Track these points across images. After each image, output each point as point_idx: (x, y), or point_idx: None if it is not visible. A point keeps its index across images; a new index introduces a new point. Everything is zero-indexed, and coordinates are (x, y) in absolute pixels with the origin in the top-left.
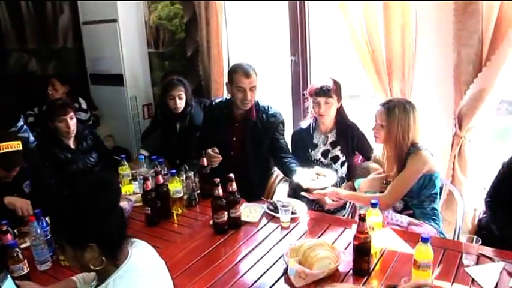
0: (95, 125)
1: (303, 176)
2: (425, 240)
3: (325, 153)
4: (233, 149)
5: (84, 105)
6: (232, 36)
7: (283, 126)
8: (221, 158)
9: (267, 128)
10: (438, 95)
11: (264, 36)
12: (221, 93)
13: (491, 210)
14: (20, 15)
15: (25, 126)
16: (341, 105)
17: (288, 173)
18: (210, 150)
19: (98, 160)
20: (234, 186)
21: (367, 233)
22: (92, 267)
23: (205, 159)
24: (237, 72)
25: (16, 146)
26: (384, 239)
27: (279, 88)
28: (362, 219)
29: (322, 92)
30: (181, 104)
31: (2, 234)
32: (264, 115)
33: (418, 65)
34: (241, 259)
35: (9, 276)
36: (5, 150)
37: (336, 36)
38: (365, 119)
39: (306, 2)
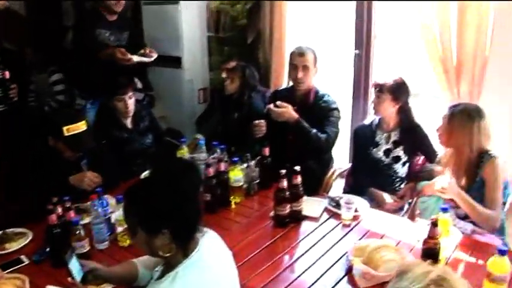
0: (149, 106)
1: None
2: (502, 252)
3: (387, 152)
4: (291, 133)
5: (139, 85)
6: (295, 25)
7: (335, 115)
8: (265, 128)
9: (320, 114)
10: (508, 99)
11: (328, 28)
12: (280, 82)
13: None
14: None
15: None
16: (406, 104)
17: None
18: (256, 121)
19: (153, 141)
20: (299, 179)
21: (437, 238)
22: (161, 253)
23: (267, 149)
24: (293, 52)
25: (82, 126)
26: (451, 246)
27: (340, 82)
28: (434, 224)
29: (374, 86)
30: (230, 87)
31: (66, 211)
32: (320, 101)
33: (490, 67)
34: (303, 254)
35: (74, 254)
36: (73, 132)
37: (403, 31)
38: (425, 118)
39: None
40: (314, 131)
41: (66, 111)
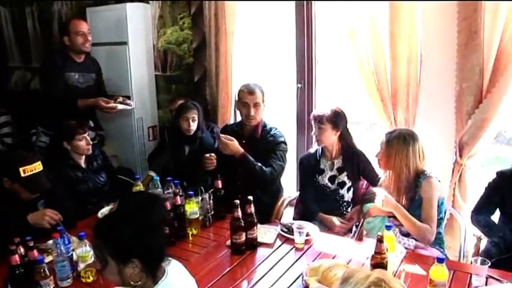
0: (100, 145)
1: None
2: (441, 260)
3: (332, 179)
4: (240, 166)
5: (91, 124)
6: (240, 62)
7: (282, 148)
8: (215, 162)
9: (267, 147)
10: (440, 123)
11: (272, 63)
12: (227, 117)
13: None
14: (26, 34)
15: None
16: (346, 132)
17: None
18: (207, 155)
19: (107, 180)
20: (252, 208)
21: (384, 253)
22: (131, 282)
23: (219, 182)
24: (243, 90)
25: (38, 166)
26: (397, 261)
27: (285, 115)
28: (380, 240)
29: (314, 118)
30: (193, 126)
31: (29, 250)
32: (268, 135)
33: (421, 95)
34: (260, 279)
35: None
36: (29, 173)
37: (341, 64)
38: (365, 145)
39: (313, 30)
40: (259, 165)
41: (21, 152)
